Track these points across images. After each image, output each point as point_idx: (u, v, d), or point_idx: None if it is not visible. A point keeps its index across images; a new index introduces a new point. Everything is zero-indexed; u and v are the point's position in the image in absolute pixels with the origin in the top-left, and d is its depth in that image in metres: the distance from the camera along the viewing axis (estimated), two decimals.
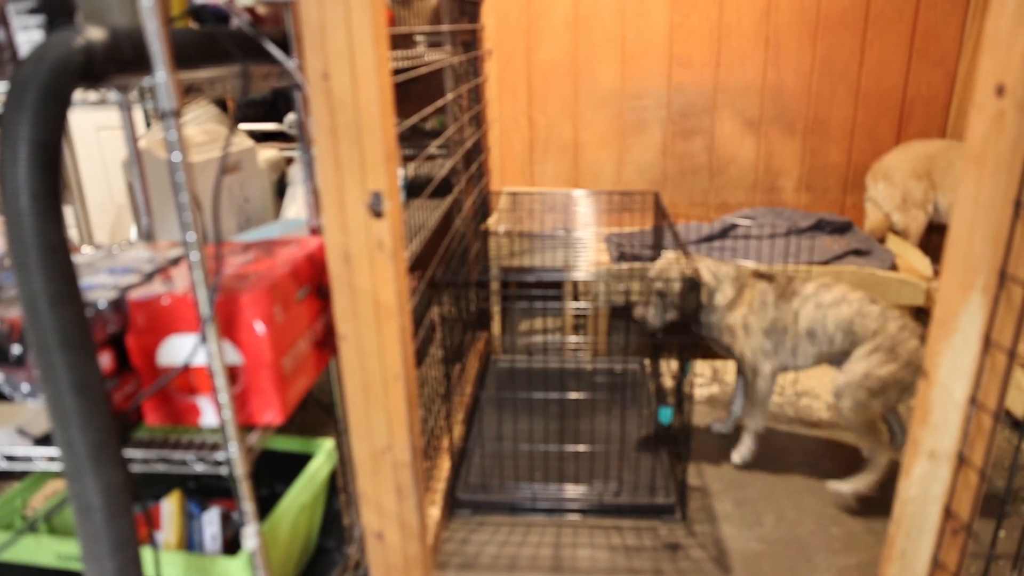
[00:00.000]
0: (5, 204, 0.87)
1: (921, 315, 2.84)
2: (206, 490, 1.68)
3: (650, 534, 1.97)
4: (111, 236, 2.51)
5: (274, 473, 1.63)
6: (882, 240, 3.15)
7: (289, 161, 2.45)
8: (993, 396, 0.99)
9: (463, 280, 2.72)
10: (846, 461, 2.27)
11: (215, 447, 1.21)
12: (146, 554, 1.09)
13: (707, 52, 3.22)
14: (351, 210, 1.28)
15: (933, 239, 3.14)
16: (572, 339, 3.07)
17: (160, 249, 1.53)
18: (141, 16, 0.95)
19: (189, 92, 1.31)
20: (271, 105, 3.02)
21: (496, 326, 3.01)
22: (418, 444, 1.49)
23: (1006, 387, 0.98)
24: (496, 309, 2.98)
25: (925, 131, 3.26)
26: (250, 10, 1.40)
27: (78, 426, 0.94)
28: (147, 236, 1.67)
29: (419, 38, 2.29)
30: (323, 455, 1.57)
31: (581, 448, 2.29)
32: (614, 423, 2.46)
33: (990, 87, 0.90)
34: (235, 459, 1.17)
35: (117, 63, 0.96)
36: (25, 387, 1.21)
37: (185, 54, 1.07)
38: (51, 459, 1.20)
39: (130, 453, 1.21)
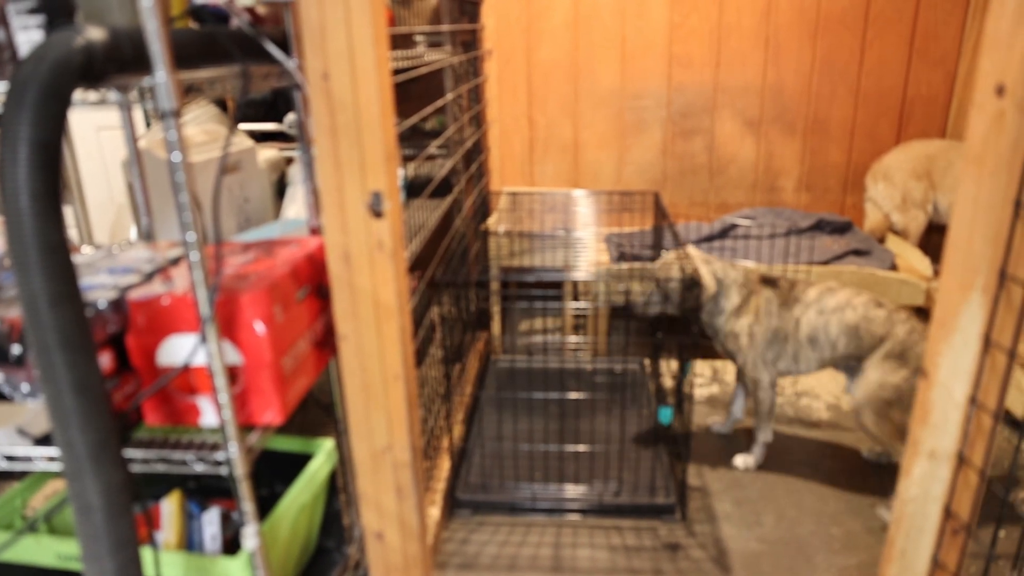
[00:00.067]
0: (5, 204, 0.87)
1: (921, 315, 2.84)
2: (206, 490, 1.68)
3: (650, 534, 1.97)
4: (111, 236, 2.51)
5: (274, 473, 1.62)
6: (882, 240, 3.15)
7: (289, 161, 2.45)
8: (993, 396, 0.99)
9: (463, 280, 2.72)
10: (846, 461, 2.27)
11: (215, 447, 1.21)
12: (146, 554, 1.09)
13: (707, 52, 3.22)
14: (351, 210, 1.28)
15: (933, 239, 3.14)
16: (572, 339, 3.07)
17: (160, 249, 1.53)
18: (141, 16, 0.95)
19: (189, 92, 1.31)
20: (271, 105, 3.02)
21: (496, 326, 3.01)
22: (418, 444, 1.49)
23: (1006, 387, 0.98)
24: (496, 309, 2.98)
25: (925, 131, 3.26)
26: (250, 10, 1.40)
27: (78, 426, 0.94)
28: (147, 236, 1.67)
29: (419, 38, 2.29)
30: (323, 455, 1.57)
31: (581, 448, 2.29)
32: (614, 423, 2.46)
33: (990, 87, 0.90)
34: (235, 459, 1.17)
35: (117, 63, 0.96)
36: (25, 387, 1.21)
37: (185, 54, 1.07)
38: (51, 459, 1.20)
39: (130, 453, 1.21)
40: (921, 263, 2.84)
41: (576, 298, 2.95)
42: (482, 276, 2.92)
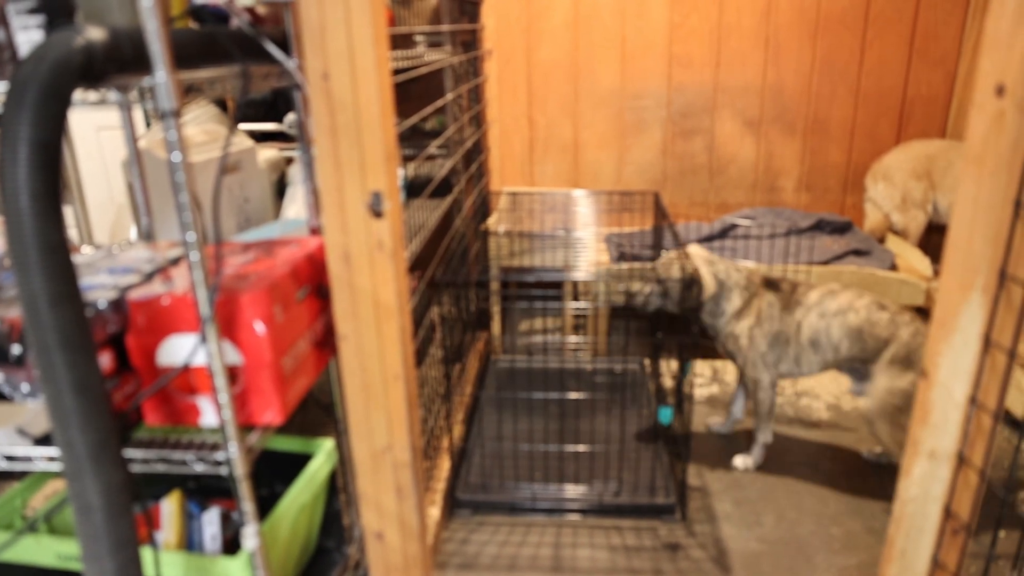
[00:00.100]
0: (5, 204, 0.87)
1: (921, 315, 2.84)
2: (206, 490, 1.68)
3: (650, 534, 1.97)
4: (111, 236, 2.51)
5: (274, 473, 1.62)
6: (882, 240, 3.15)
7: (289, 161, 2.45)
8: (993, 396, 0.99)
9: (463, 280, 2.72)
10: (846, 461, 2.27)
11: (215, 447, 1.21)
12: (146, 554, 1.09)
13: (707, 52, 3.22)
14: (351, 210, 1.28)
15: (933, 239, 3.14)
16: (572, 339, 3.07)
17: (160, 249, 1.53)
18: (141, 16, 0.95)
19: (189, 92, 1.31)
20: (271, 105, 3.02)
21: (496, 326, 3.01)
22: (418, 444, 1.49)
23: (1006, 387, 0.98)
24: (496, 309, 2.98)
25: (925, 131, 3.27)
26: (250, 10, 1.40)
27: (78, 426, 0.94)
28: (147, 236, 1.67)
29: (419, 38, 2.29)
30: (323, 455, 1.57)
31: (581, 448, 2.29)
32: (614, 423, 2.46)
33: (990, 87, 0.90)
34: (235, 459, 1.17)
35: (117, 63, 0.96)
36: (25, 387, 1.21)
37: (185, 54, 1.07)
38: (51, 459, 1.20)
39: (130, 453, 1.21)
40: (921, 263, 2.84)
41: (576, 298, 2.95)
42: (482, 276, 2.92)
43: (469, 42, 2.81)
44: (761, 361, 2.12)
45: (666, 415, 2.21)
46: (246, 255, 1.39)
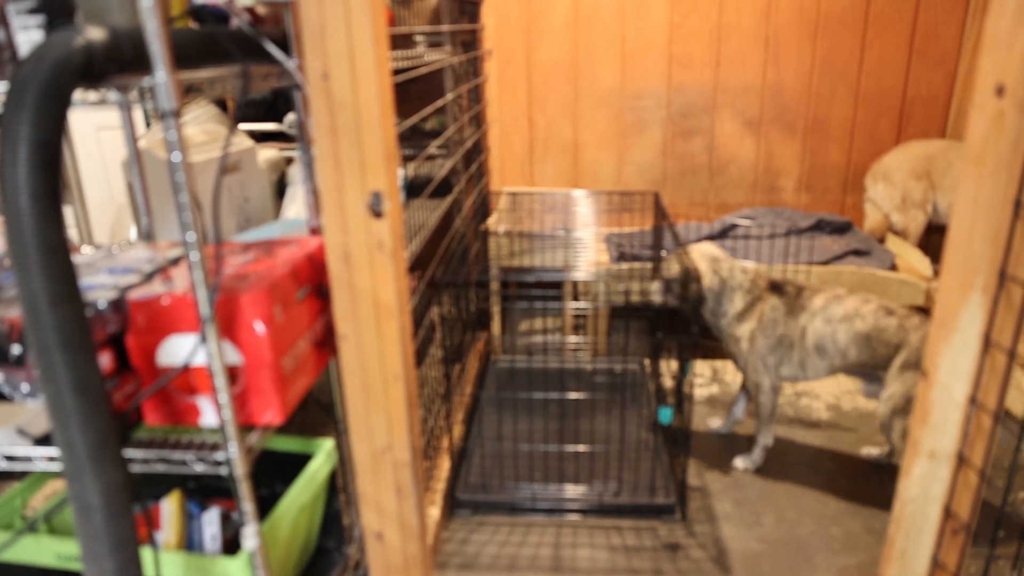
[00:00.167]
0: (5, 204, 0.87)
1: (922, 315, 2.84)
2: (206, 490, 1.68)
3: (650, 534, 1.97)
4: (111, 236, 2.51)
5: (274, 473, 1.62)
6: (882, 240, 3.15)
7: (289, 161, 2.45)
8: (993, 396, 0.99)
9: (463, 280, 2.72)
10: (846, 462, 2.27)
11: (215, 447, 1.21)
12: (146, 554, 1.09)
13: (707, 52, 3.22)
14: (351, 210, 1.28)
15: (933, 239, 3.14)
16: (572, 339, 3.07)
17: (160, 249, 1.53)
18: (141, 16, 0.95)
19: (189, 92, 1.31)
20: (271, 105, 3.02)
21: (496, 326, 3.01)
22: (418, 444, 1.49)
23: (1006, 387, 0.98)
24: (496, 309, 2.98)
25: (925, 131, 3.26)
26: (250, 10, 1.40)
27: (78, 426, 0.94)
28: (147, 236, 1.67)
29: (419, 38, 2.29)
30: (323, 455, 1.57)
31: (581, 448, 2.29)
32: (614, 423, 2.46)
33: (990, 87, 0.90)
34: (235, 459, 1.17)
35: (117, 63, 0.96)
36: (25, 387, 1.21)
37: (185, 54, 1.07)
38: (51, 459, 1.20)
39: (130, 453, 1.21)
40: (921, 263, 2.84)
41: (576, 298, 2.95)
42: (482, 276, 2.92)
43: (469, 42, 2.81)
44: (762, 364, 2.11)
45: (666, 415, 2.21)
46: (246, 255, 1.39)
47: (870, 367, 2.00)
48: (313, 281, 1.40)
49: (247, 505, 1.20)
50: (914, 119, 3.25)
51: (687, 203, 3.45)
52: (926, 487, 1.07)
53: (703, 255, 2.16)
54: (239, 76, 1.26)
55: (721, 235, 3.04)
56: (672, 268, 2.15)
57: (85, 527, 0.98)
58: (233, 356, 1.21)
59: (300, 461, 1.58)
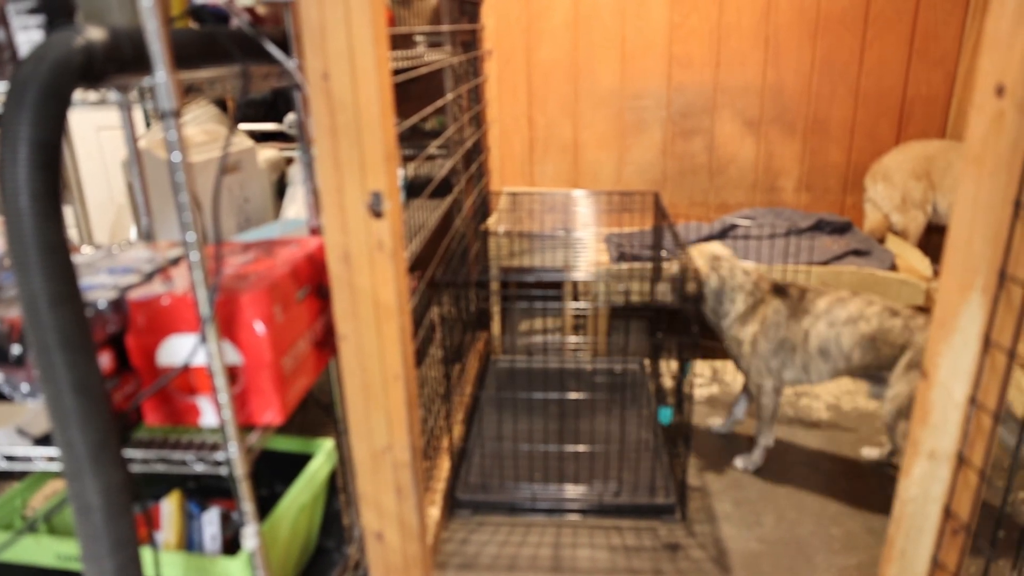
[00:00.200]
0: (5, 204, 0.87)
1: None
2: (206, 490, 1.68)
3: (650, 534, 1.97)
4: (111, 236, 2.51)
5: (274, 473, 1.63)
6: (882, 240, 3.15)
7: (289, 161, 2.45)
8: (993, 396, 0.99)
9: (463, 280, 2.72)
10: (846, 461, 2.27)
11: (215, 447, 1.21)
12: (146, 554, 1.09)
13: (707, 52, 3.22)
14: (351, 210, 1.28)
15: (933, 239, 3.14)
16: (572, 339, 3.07)
17: (160, 249, 1.53)
18: (141, 16, 0.95)
19: (189, 92, 1.31)
20: (271, 105, 3.02)
21: (496, 326, 3.01)
22: (418, 444, 1.49)
23: (1006, 387, 0.98)
24: (496, 309, 2.98)
25: (925, 131, 3.27)
26: (250, 10, 1.41)
27: (78, 426, 0.94)
28: (147, 236, 1.67)
29: (419, 38, 2.29)
30: (323, 455, 1.57)
31: (581, 448, 2.29)
32: (614, 423, 2.46)
33: (990, 87, 0.90)
34: (235, 459, 1.17)
35: (117, 63, 0.96)
36: (25, 387, 1.21)
37: (185, 54, 1.07)
38: (51, 459, 1.20)
39: (130, 453, 1.21)
40: (921, 263, 2.84)
41: (576, 298, 2.95)
42: (482, 276, 2.92)
43: (469, 42, 2.81)
44: (764, 367, 2.11)
45: (666, 415, 2.21)
46: (246, 255, 1.39)
47: (875, 369, 1.99)
48: (313, 281, 1.40)
49: (247, 505, 1.20)
50: (914, 119, 3.25)
51: (687, 203, 3.46)
52: (926, 487, 1.07)
53: (703, 253, 2.16)
54: (239, 76, 1.26)
55: (721, 235, 3.04)
56: (680, 267, 2.15)
57: (85, 527, 0.98)
58: (233, 356, 1.21)
59: (300, 461, 1.58)
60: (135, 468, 1.21)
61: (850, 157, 3.33)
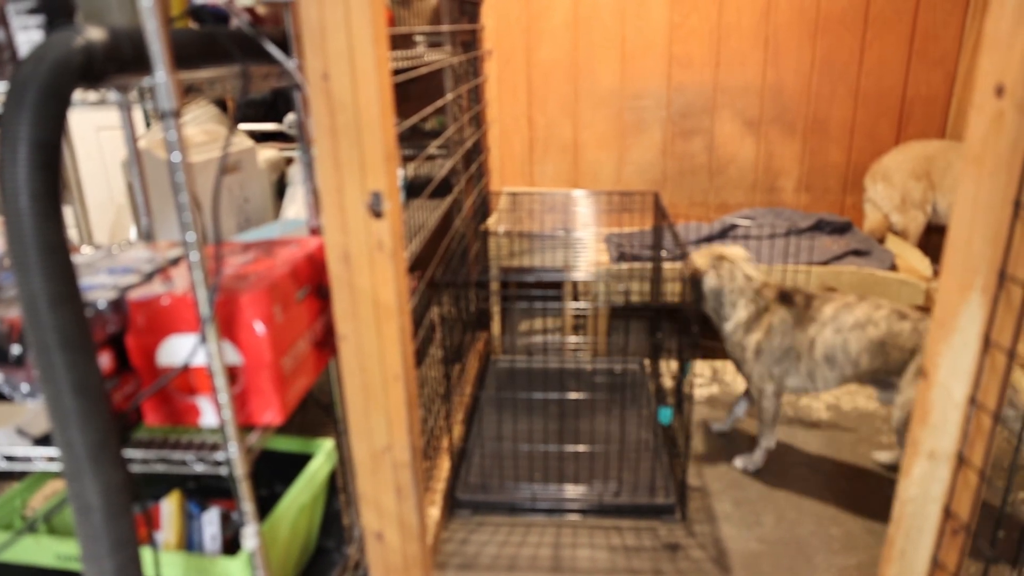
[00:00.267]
0: (5, 204, 0.87)
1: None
2: (206, 490, 1.68)
3: (650, 534, 1.97)
4: (111, 236, 2.51)
5: (274, 473, 1.63)
6: (882, 241, 3.15)
7: (289, 161, 2.45)
8: (993, 396, 0.99)
9: (463, 280, 2.72)
10: (846, 461, 2.27)
11: (215, 447, 1.21)
12: (146, 554, 1.09)
13: (707, 52, 3.22)
14: (351, 210, 1.28)
15: (933, 239, 3.14)
16: (572, 339, 3.07)
17: (160, 249, 1.53)
18: (141, 16, 0.95)
19: (189, 92, 1.31)
20: (271, 105, 3.02)
21: (496, 326, 3.01)
22: (418, 444, 1.49)
23: (1006, 387, 0.98)
24: (496, 309, 2.98)
25: (925, 131, 3.27)
26: (250, 10, 1.41)
27: (78, 426, 0.94)
28: (147, 236, 1.67)
29: (419, 38, 2.29)
30: (323, 455, 1.57)
31: (581, 448, 2.29)
32: (614, 423, 2.46)
33: (989, 87, 0.90)
34: (235, 459, 1.17)
35: (117, 63, 0.96)
36: (25, 387, 1.21)
37: (185, 54, 1.07)
38: (51, 459, 1.20)
39: (130, 453, 1.21)
40: (921, 263, 2.84)
41: (576, 298, 2.95)
42: (482, 276, 2.92)
43: (469, 42, 2.81)
44: (767, 373, 2.10)
45: (666, 415, 2.21)
46: (246, 255, 1.39)
47: (883, 374, 1.97)
48: (313, 281, 1.40)
49: (247, 505, 1.20)
50: (914, 119, 3.25)
51: (687, 203, 3.46)
52: (926, 487, 1.07)
53: (711, 252, 2.16)
54: (239, 76, 1.26)
55: (721, 235, 3.04)
56: (697, 266, 2.14)
57: (85, 527, 0.98)
58: (233, 356, 1.21)
59: (300, 461, 1.58)
60: (135, 468, 1.21)
61: (850, 157, 3.33)
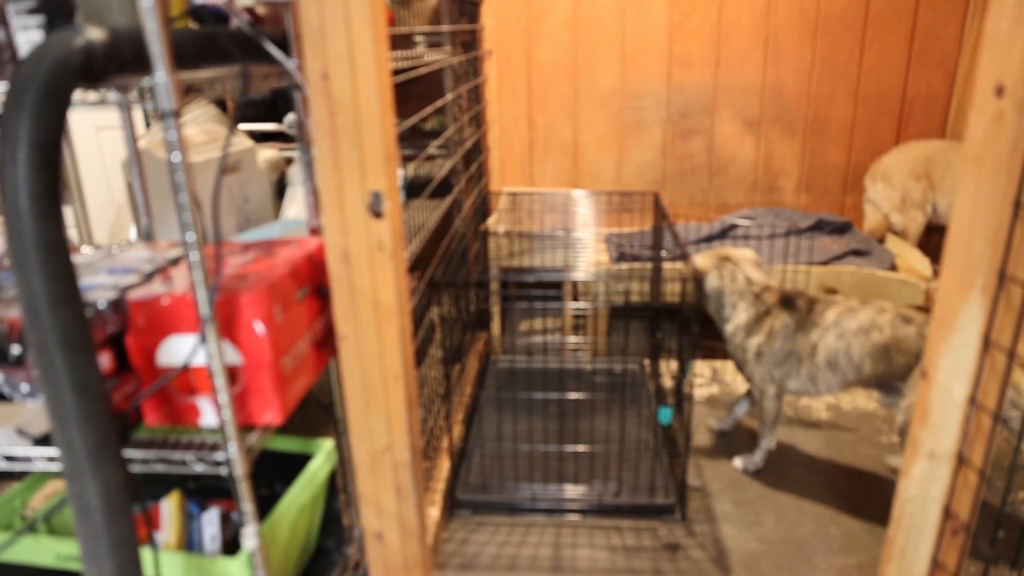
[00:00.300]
0: (5, 204, 0.87)
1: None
2: (206, 490, 1.68)
3: (650, 534, 1.97)
4: (111, 236, 2.51)
5: (274, 473, 1.62)
6: (881, 241, 3.15)
7: (289, 161, 2.45)
8: (993, 396, 0.99)
9: (463, 280, 2.72)
10: (846, 461, 2.27)
11: (215, 447, 1.21)
12: (145, 554, 1.09)
13: (707, 52, 3.22)
14: (351, 210, 1.28)
15: (932, 239, 3.14)
16: (572, 339, 3.07)
17: (160, 249, 1.53)
18: (141, 16, 0.95)
19: (189, 92, 1.31)
20: (271, 105, 3.02)
21: (496, 326, 3.01)
22: (418, 444, 1.49)
23: (1005, 387, 0.98)
24: (496, 309, 2.98)
25: (925, 131, 3.27)
26: (250, 10, 1.41)
27: (77, 426, 0.94)
28: (147, 236, 1.67)
29: (419, 38, 2.29)
30: (323, 455, 1.57)
31: (581, 448, 2.29)
32: (614, 423, 2.46)
33: (989, 87, 0.90)
34: (235, 459, 1.17)
35: (117, 63, 0.96)
36: (25, 387, 1.21)
37: (185, 54, 1.07)
38: (51, 459, 1.20)
39: (130, 453, 1.21)
40: (921, 263, 2.84)
41: (576, 298, 2.95)
42: (482, 276, 2.92)
43: (469, 42, 2.81)
44: (768, 376, 2.10)
45: (666, 415, 2.21)
46: (246, 255, 1.39)
47: (887, 378, 1.96)
48: (313, 281, 1.40)
49: (247, 505, 1.20)
50: (914, 119, 3.25)
51: (687, 203, 3.46)
52: (926, 487, 1.07)
53: (717, 253, 2.16)
54: (239, 76, 1.26)
55: (721, 235, 3.04)
56: (699, 266, 2.14)
57: (85, 527, 0.98)
58: (233, 356, 1.21)
59: (300, 461, 1.58)
60: (135, 468, 1.21)
61: (850, 157, 3.33)
